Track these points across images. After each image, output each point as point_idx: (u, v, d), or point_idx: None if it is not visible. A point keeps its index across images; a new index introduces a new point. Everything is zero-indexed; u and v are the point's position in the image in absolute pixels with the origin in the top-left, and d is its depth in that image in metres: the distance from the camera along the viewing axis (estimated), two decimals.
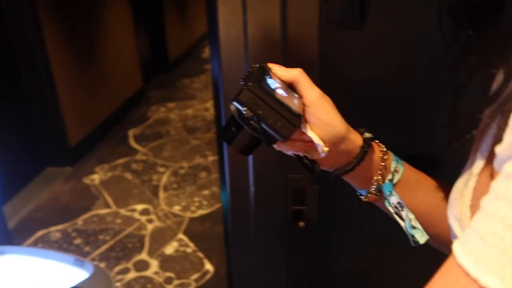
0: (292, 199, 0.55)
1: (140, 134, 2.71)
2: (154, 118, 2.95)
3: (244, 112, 0.35)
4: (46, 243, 1.74)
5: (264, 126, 0.36)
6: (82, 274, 0.66)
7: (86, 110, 2.48)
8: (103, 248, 1.72)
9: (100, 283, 0.62)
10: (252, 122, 0.36)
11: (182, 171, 2.28)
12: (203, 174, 2.24)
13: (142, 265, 1.62)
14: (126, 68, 3.01)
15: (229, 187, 0.59)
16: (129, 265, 1.63)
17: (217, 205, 1.99)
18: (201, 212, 1.94)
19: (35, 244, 1.75)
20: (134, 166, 2.34)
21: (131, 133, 2.72)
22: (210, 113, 3.02)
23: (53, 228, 1.84)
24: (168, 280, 1.55)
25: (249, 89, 0.35)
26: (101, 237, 1.79)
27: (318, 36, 0.49)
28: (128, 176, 2.24)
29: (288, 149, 0.40)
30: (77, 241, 1.76)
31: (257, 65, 0.39)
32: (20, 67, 2.08)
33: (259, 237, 0.64)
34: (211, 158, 2.41)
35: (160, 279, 1.55)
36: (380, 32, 0.50)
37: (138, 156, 2.44)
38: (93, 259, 1.64)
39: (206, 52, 4.54)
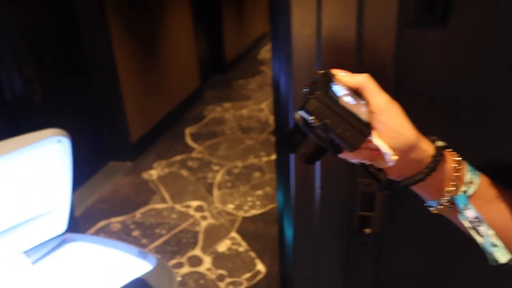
0: (359, 204, 0.53)
1: (196, 133, 2.77)
2: (210, 117, 3.01)
3: (311, 121, 0.34)
4: (107, 233, 1.83)
5: (332, 135, 0.35)
6: (145, 266, 0.68)
7: (146, 109, 2.58)
8: (159, 241, 1.78)
9: (163, 276, 0.64)
10: (318, 131, 0.35)
11: (236, 170, 2.30)
12: (256, 174, 2.25)
13: (196, 261, 1.66)
14: (185, 68, 3.10)
15: (294, 187, 0.58)
16: (183, 259, 1.67)
17: (270, 206, 1.98)
18: (254, 212, 1.95)
19: (96, 233, 1.84)
20: (190, 163, 2.40)
21: (187, 131, 2.80)
22: (265, 114, 3.04)
23: (114, 220, 1.93)
24: (220, 278, 1.56)
25: (316, 98, 0.34)
26: (157, 230, 1.85)
27: (395, 35, 0.47)
28: (184, 173, 2.30)
29: (354, 158, 0.38)
30: (135, 233, 1.83)
31: (322, 71, 0.37)
32: (88, 66, 2.21)
33: (321, 241, 0.62)
34: (265, 158, 2.41)
35: (213, 276, 1.58)
36: (465, 31, 0.47)
37: (194, 154, 2.50)
38: (149, 252, 1.70)
39: (262, 54, 4.56)
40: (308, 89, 0.36)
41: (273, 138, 2.66)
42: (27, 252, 0.73)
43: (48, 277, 0.70)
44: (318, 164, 0.53)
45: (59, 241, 0.77)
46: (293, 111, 0.55)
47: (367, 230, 0.54)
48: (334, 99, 0.35)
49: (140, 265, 0.67)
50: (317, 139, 0.36)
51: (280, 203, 1.22)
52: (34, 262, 0.73)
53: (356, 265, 0.63)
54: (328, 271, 0.65)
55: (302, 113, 0.35)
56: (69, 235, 0.79)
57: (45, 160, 0.71)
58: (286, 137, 0.39)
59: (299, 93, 0.47)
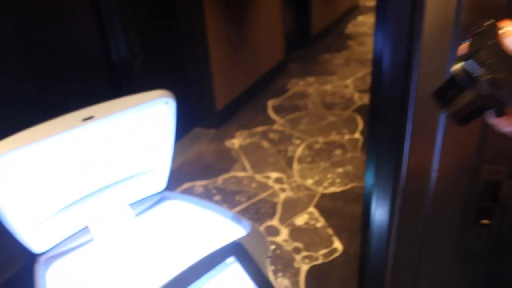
0: (481, 193, 0.49)
1: (278, 105, 2.77)
2: (293, 91, 2.98)
3: (477, 74, 0.30)
4: (191, 195, 1.93)
5: (499, 93, 0.30)
6: (239, 230, 0.70)
7: (232, 79, 2.62)
8: (238, 208, 1.83)
9: (257, 242, 0.65)
10: (483, 86, 0.31)
11: (317, 146, 2.27)
12: (338, 152, 2.21)
13: (273, 231, 1.69)
14: (271, 40, 3.08)
15: (406, 168, 0.55)
16: (261, 228, 1.70)
17: (351, 185, 1.94)
18: (333, 189, 1.92)
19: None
20: (271, 135, 2.41)
21: (270, 103, 2.81)
22: (349, 91, 2.94)
23: (197, 183, 2.02)
24: (297, 250, 1.58)
25: (490, 49, 0.30)
26: (237, 197, 1.91)
27: None
28: (265, 144, 2.33)
29: (509, 125, 0.34)
30: (217, 197, 1.91)
31: (488, 22, 0.33)
32: (180, 36, 2.28)
33: (430, 229, 0.59)
34: (347, 136, 2.35)
35: (289, 248, 1.60)
36: None
37: (276, 126, 2.51)
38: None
39: (349, 28, 4.38)
40: (472, 40, 0.32)
41: (357, 116, 2.57)
42: (131, 205, 0.78)
43: (149, 231, 0.75)
44: (438, 143, 0.49)
45: (158, 198, 0.82)
46: (414, 76, 0.51)
47: (485, 221, 0.50)
48: (507, 53, 0.31)
49: (234, 229, 0.69)
50: (477, 95, 0.32)
51: (368, 183, 1.17)
52: (137, 215, 0.78)
53: (466, 259, 0.59)
54: (432, 262, 0.62)
55: (468, 64, 0.31)
56: (168, 193, 0.84)
57: (152, 120, 0.75)
58: (438, 91, 0.35)
59: (427, 58, 0.43)
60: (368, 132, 1.13)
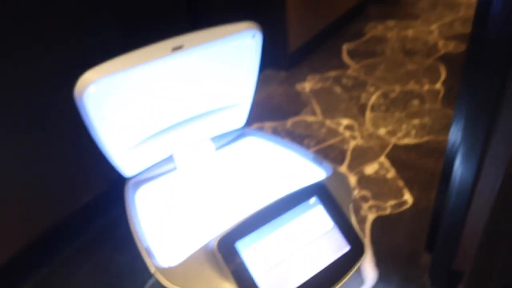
0: None
1: (353, 50, 2.64)
2: (370, 35, 2.81)
3: None
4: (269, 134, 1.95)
5: None
6: (320, 172, 0.69)
7: (307, 19, 2.51)
8: None
9: (340, 184, 0.64)
10: None
11: (392, 95, 2.16)
12: (415, 102, 2.08)
13: None
14: None
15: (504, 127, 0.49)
16: None
17: (426, 138, 1.84)
18: (407, 140, 1.84)
19: None
20: (344, 80, 2.32)
21: (345, 47, 2.67)
22: (433, 37, 2.70)
23: (267, 124, 2.03)
24: (364, 199, 1.56)
25: None
26: (306, 141, 1.89)
27: None
28: (337, 89, 2.25)
29: None
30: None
31: None
32: None
33: None
34: (427, 86, 2.20)
35: (356, 196, 1.58)
36: None
37: (349, 72, 2.41)
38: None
39: None
40: None
41: (440, 65, 2.38)
42: (212, 139, 0.80)
43: (229, 166, 0.76)
44: None
45: (238, 134, 0.83)
46: None
47: None
48: None
49: (315, 171, 0.68)
50: None
51: (453, 137, 1.10)
52: (217, 149, 0.79)
53: None
54: None
55: None
56: (248, 129, 0.84)
57: (239, 52, 0.73)
58: None
59: None
60: (462, 82, 1.03)
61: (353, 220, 0.59)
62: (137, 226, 0.60)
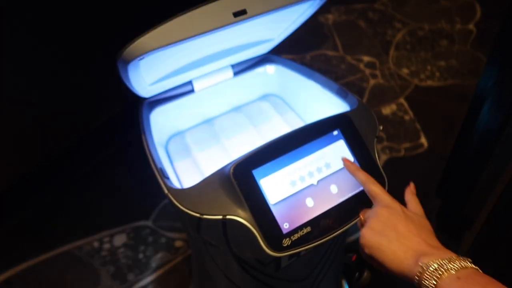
0: None
1: None
2: None
3: None
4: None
5: None
6: (344, 105, 0.65)
7: None
8: None
9: (365, 117, 0.61)
10: None
11: (420, 33, 2.04)
12: (443, 42, 1.97)
13: None
14: None
15: None
16: None
17: (451, 81, 1.76)
18: (430, 83, 1.76)
19: None
20: (370, 14, 2.19)
21: None
22: None
23: (284, 57, 1.95)
24: (379, 139, 1.53)
25: None
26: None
27: None
28: (362, 24, 2.13)
29: None
30: None
31: None
32: None
33: None
34: (458, 26, 2.06)
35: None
36: None
37: (377, 5, 2.26)
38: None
39: None
40: None
41: (476, 4, 2.22)
42: (233, 66, 0.75)
43: (247, 92, 0.73)
44: None
45: (260, 59, 0.78)
46: None
47: None
48: None
49: (339, 103, 0.64)
50: None
51: (484, 82, 1.04)
52: (236, 74, 0.75)
53: None
54: None
55: None
56: (271, 55, 0.79)
57: (298, 11, 0.67)
58: None
59: None
60: (503, 24, 0.95)
61: (376, 156, 0.57)
62: (151, 146, 0.58)
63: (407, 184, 0.53)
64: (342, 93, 0.66)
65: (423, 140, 1.52)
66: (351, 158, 0.56)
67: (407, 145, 1.51)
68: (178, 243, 1.23)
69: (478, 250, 0.60)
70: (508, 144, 0.92)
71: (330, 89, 0.68)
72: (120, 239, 1.24)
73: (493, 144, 0.94)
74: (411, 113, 1.63)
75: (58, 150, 1.36)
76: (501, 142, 0.93)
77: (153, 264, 1.18)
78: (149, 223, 1.28)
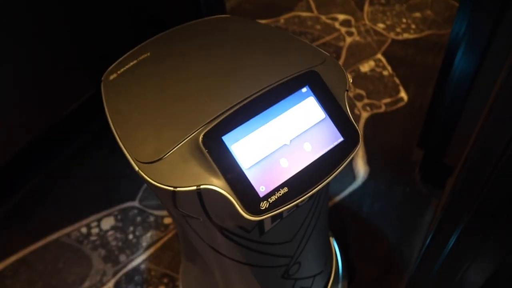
0: None
1: None
2: None
3: None
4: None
5: None
6: (312, 60, 0.63)
7: None
8: None
9: (334, 73, 0.59)
10: None
11: None
12: None
13: None
14: None
15: None
16: None
17: (426, 32, 1.75)
18: (406, 35, 1.74)
19: None
20: None
21: None
22: None
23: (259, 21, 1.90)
24: (359, 97, 1.52)
25: None
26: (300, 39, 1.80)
27: None
28: None
29: None
30: None
31: None
32: None
33: None
34: None
35: (351, 94, 1.54)
36: None
37: None
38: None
39: None
40: None
41: None
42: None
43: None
44: None
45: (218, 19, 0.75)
46: None
47: None
48: None
49: (307, 58, 0.62)
50: None
51: (456, 27, 1.02)
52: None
53: None
54: None
55: None
56: (232, 17, 0.77)
57: None
58: None
59: None
60: None
61: (347, 110, 0.56)
62: (114, 122, 0.56)
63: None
64: (309, 48, 0.64)
65: (403, 94, 1.52)
66: (322, 113, 0.55)
67: (387, 100, 1.50)
68: (167, 220, 1.23)
69: (457, 197, 0.60)
70: (482, 89, 0.92)
71: (297, 44, 0.66)
72: (108, 222, 1.24)
73: (468, 89, 0.93)
74: (389, 68, 1.62)
75: (36, 136, 1.33)
76: (475, 87, 0.92)
77: (144, 243, 1.18)
78: (135, 203, 1.28)
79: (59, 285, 1.11)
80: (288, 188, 0.51)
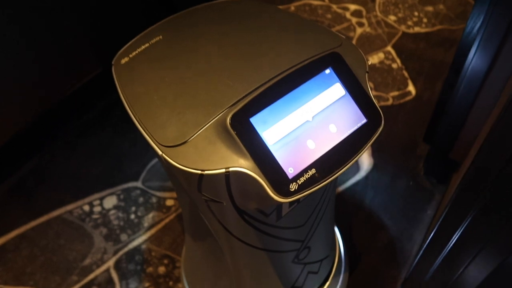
0: None
1: None
2: None
3: None
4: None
5: None
6: (330, 43, 0.62)
7: None
8: None
9: (353, 55, 0.59)
10: None
11: None
12: None
13: None
14: None
15: None
16: None
17: (438, 26, 1.73)
18: (417, 29, 1.73)
19: None
20: None
21: None
22: None
23: None
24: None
25: None
26: None
27: None
28: None
29: None
30: None
31: None
32: None
33: None
34: None
35: None
36: None
37: None
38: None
39: None
40: None
41: None
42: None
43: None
44: None
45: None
46: None
47: None
48: None
49: (325, 41, 0.61)
50: None
51: (472, 23, 1.01)
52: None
53: None
54: None
55: None
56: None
57: None
58: None
59: None
60: None
61: (369, 92, 0.56)
62: (133, 106, 0.56)
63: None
64: (325, 31, 0.64)
65: (411, 87, 1.51)
66: (346, 95, 0.55)
67: (395, 93, 1.49)
68: (169, 202, 1.23)
69: (464, 192, 0.60)
70: (494, 86, 0.91)
71: (313, 27, 0.65)
72: (110, 201, 1.24)
73: (480, 86, 0.93)
74: (398, 61, 1.61)
75: (41, 113, 1.33)
76: (487, 84, 0.91)
77: (146, 223, 1.19)
78: (139, 184, 1.28)
79: (60, 261, 1.12)
80: (315, 170, 0.51)
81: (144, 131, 0.53)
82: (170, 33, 0.67)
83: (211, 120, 0.50)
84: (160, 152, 0.50)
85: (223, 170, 0.48)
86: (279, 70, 0.54)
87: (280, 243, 0.69)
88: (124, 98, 0.58)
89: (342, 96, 0.54)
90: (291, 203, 0.60)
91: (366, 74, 0.56)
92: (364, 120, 0.54)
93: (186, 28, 0.68)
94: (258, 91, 0.51)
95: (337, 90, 0.54)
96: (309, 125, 0.52)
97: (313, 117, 0.52)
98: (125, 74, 0.62)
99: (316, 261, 0.82)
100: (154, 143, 0.51)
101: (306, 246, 0.74)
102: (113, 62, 0.65)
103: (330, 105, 0.53)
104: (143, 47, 0.65)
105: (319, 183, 0.51)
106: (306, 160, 0.51)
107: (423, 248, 0.84)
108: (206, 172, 0.48)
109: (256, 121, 0.49)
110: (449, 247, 0.66)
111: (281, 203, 0.50)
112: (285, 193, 0.49)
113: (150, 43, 0.65)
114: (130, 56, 0.65)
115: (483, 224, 0.55)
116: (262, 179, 0.48)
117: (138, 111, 0.56)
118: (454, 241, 0.64)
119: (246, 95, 0.51)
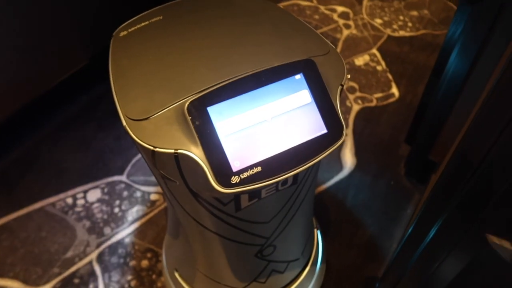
0: None
1: None
2: None
3: None
4: None
5: None
6: (314, 49, 0.64)
7: None
8: None
9: (332, 66, 0.60)
10: None
11: None
12: None
13: None
14: None
15: None
16: None
17: (422, 31, 1.77)
18: (402, 33, 1.76)
19: None
20: None
21: None
22: None
23: None
24: (351, 90, 1.54)
25: None
26: None
27: None
28: None
29: None
30: None
31: None
32: None
33: None
34: None
35: (346, 85, 1.56)
36: None
37: None
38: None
39: None
40: None
41: None
42: None
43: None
44: None
45: None
46: None
47: None
48: None
49: (308, 46, 0.63)
50: None
51: (453, 26, 1.04)
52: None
53: None
54: None
55: None
56: None
57: None
58: None
59: None
60: None
61: (338, 105, 0.57)
62: (114, 76, 0.57)
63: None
64: (313, 36, 0.65)
65: (395, 90, 1.54)
66: (311, 102, 0.56)
67: (379, 95, 1.52)
68: (153, 196, 1.24)
69: (438, 193, 0.62)
70: (473, 90, 0.94)
71: (302, 29, 0.67)
72: (94, 195, 1.24)
73: (459, 90, 0.96)
74: (383, 63, 1.64)
75: (24, 104, 1.32)
76: (466, 88, 0.95)
77: (130, 217, 1.19)
78: (123, 178, 1.28)
79: (41, 253, 1.12)
80: (261, 168, 0.52)
81: (117, 101, 0.56)
82: (170, 15, 0.69)
83: (175, 103, 0.52)
84: (124, 123, 0.53)
85: (172, 151, 0.50)
86: (254, 67, 0.55)
87: (241, 234, 0.70)
88: (110, 68, 0.61)
89: (308, 104, 0.55)
90: (250, 196, 0.61)
91: (340, 87, 0.57)
92: (325, 131, 0.54)
93: (186, 13, 0.69)
94: (223, 83, 0.53)
95: (304, 96, 0.55)
96: (266, 125, 0.53)
97: (272, 118, 0.53)
98: (119, 47, 0.65)
99: (283, 261, 0.82)
100: (122, 114, 0.54)
101: (271, 244, 0.75)
102: (113, 34, 0.68)
103: (293, 109, 0.54)
104: (143, 24, 0.67)
105: (262, 181, 0.52)
106: (254, 157, 0.52)
107: (400, 245, 0.86)
108: (157, 149, 0.50)
109: (213, 111, 0.51)
110: (426, 243, 0.69)
111: (228, 194, 0.52)
112: (227, 184, 0.50)
113: (150, 21, 0.68)
114: (129, 30, 0.67)
115: (458, 220, 0.58)
116: (206, 166, 0.50)
117: (117, 82, 0.59)
118: (430, 237, 0.66)
119: (213, 86, 0.53)
